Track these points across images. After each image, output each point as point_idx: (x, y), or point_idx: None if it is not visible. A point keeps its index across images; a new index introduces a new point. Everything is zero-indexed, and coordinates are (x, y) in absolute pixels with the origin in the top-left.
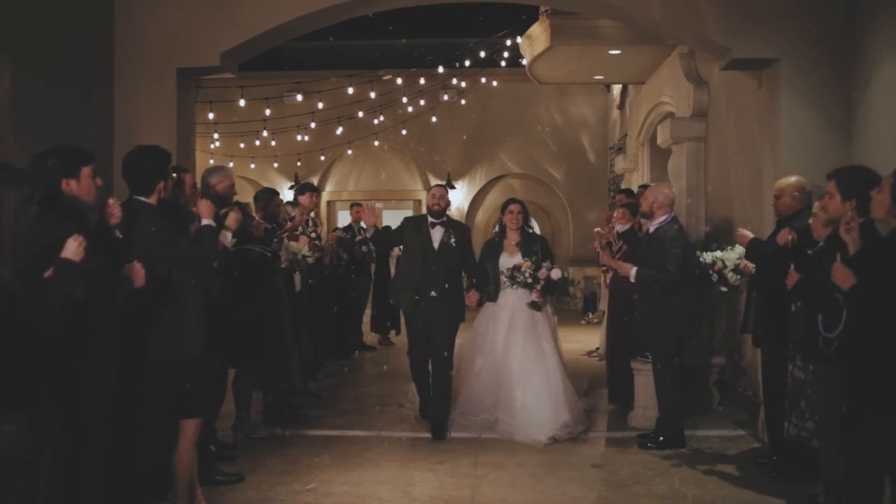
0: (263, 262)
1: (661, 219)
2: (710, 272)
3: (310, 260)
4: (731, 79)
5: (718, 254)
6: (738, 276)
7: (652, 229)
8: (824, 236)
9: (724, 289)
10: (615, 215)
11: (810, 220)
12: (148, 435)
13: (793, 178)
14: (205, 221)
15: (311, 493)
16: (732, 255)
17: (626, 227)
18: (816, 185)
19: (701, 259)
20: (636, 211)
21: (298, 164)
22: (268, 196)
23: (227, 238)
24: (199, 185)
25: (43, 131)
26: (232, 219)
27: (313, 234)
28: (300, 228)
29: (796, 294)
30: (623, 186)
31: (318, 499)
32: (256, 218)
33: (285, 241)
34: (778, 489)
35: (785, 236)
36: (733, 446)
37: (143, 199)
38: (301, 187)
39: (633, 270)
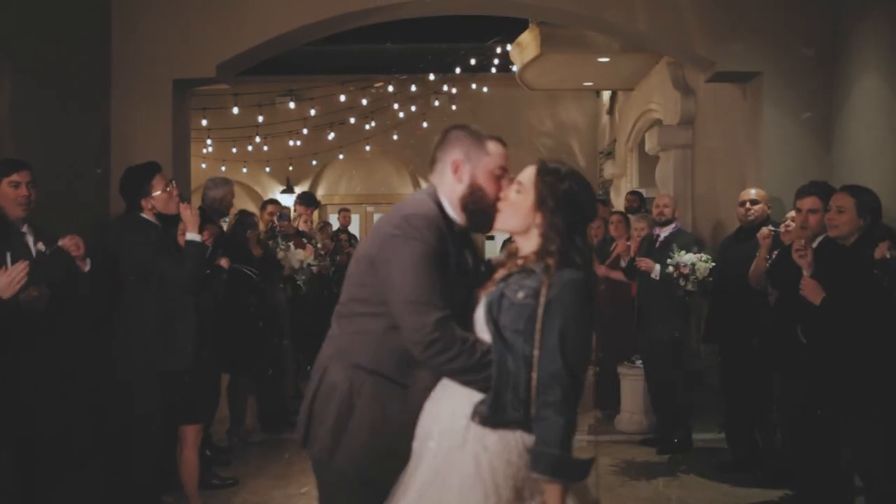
0: (256, 278)
1: (675, 224)
2: (675, 271)
3: (314, 269)
4: (717, 88)
5: (693, 258)
6: (697, 287)
7: (665, 234)
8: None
9: (679, 292)
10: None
11: (788, 224)
12: (142, 441)
13: (760, 189)
14: (189, 236)
15: (305, 496)
16: (704, 266)
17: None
18: (777, 198)
19: (676, 256)
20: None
21: (290, 168)
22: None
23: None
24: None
25: (43, 141)
26: (188, 218)
27: (319, 244)
28: (312, 239)
29: (777, 310)
30: (612, 192)
31: (312, 502)
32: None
33: (291, 248)
34: (758, 492)
35: (760, 267)
36: (716, 450)
37: (137, 213)
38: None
39: (658, 267)
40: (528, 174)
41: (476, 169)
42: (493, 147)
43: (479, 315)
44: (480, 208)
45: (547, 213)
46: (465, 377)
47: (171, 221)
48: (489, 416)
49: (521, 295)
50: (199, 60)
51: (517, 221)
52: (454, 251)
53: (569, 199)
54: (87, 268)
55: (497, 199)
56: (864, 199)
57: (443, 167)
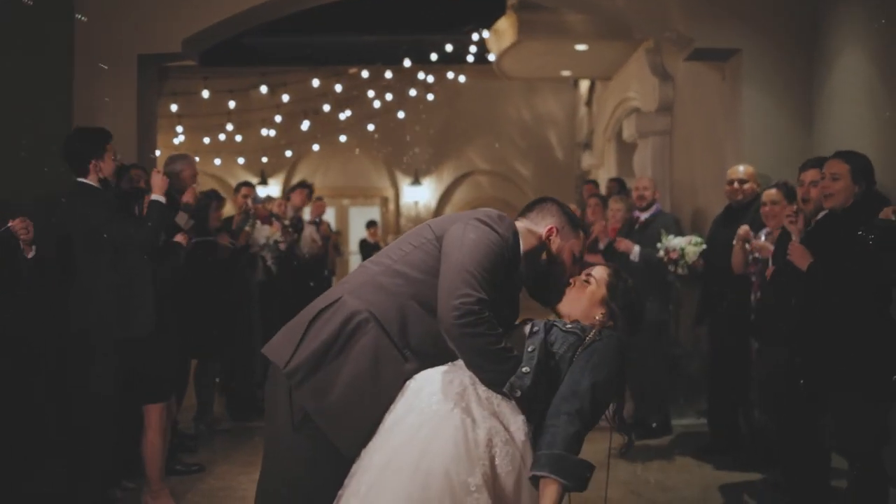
0: (228, 255)
1: (655, 206)
2: (665, 256)
3: (281, 246)
4: (695, 72)
5: (682, 241)
6: (687, 270)
7: (647, 216)
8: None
9: (669, 277)
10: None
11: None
12: (101, 419)
13: (748, 167)
14: (153, 197)
15: None
16: (693, 250)
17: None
18: (765, 175)
19: (664, 240)
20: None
21: (264, 159)
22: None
23: (184, 219)
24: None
25: (3, 117)
26: (156, 182)
27: (287, 222)
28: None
29: (773, 283)
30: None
31: None
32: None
33: (258, 224)
34: (738, 474)
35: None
36: (696, 435)
37: (83, 180)
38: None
39: (637, 248)
40: (600, 272)
41: (564, 243)
42: (580, 234)
43: (525, 329)
44: (557, 283)
45: (610, 309)
46: (480, 360)
47: (135, 197)
48: (523, 394)
49: (569, 326)
50: (165, 35)
51: (582, 308)
52: (512, 276)
53: (630, 305)
54: (31, 254)
55: (567, 277)
56: (858, 165)
57: (534, 225)
